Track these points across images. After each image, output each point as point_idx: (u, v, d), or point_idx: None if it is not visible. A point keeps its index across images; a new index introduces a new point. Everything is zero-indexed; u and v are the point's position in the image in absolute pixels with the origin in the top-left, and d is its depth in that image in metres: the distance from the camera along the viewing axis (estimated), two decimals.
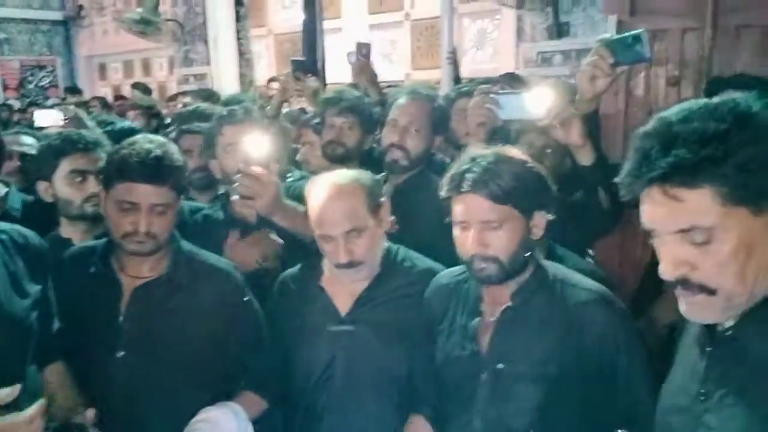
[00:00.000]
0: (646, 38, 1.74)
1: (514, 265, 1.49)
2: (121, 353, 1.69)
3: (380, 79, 3.31)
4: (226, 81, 6.70)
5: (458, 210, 1.50)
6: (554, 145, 1.97)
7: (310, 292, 1.84)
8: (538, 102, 1.95)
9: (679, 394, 1.13)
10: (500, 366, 1.49)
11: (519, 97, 2.03)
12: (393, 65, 5.68)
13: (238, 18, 5.80)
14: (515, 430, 1.47)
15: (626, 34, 1.79)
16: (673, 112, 1.00)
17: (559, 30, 4.94)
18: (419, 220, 2.27)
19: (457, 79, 4.30)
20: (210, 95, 5.30)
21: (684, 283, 1.00)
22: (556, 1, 4.88)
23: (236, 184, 1.83)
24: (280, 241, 2.17)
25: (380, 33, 5.71)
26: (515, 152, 1.54)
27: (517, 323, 1.51)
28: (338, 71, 5.12)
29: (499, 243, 1.46)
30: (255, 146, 1.80)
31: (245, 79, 5.83)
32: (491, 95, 2.07)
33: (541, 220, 1.51)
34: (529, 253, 1.52)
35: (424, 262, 1.86)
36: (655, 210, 1.00)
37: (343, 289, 1.80)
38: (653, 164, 0.97)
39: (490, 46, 5.30)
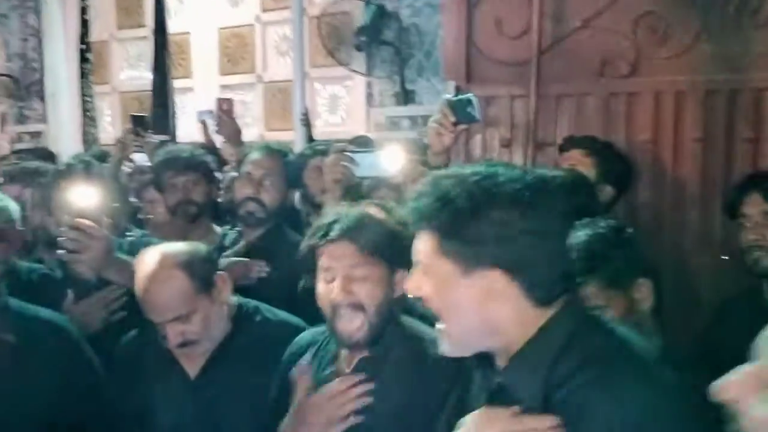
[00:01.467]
0: (476, 102, 1.93)
1: (379, 320, 1.46)
2: None
3: None
4: (65, 139, 6.32)
5: (325, 259, 1.48)
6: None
7: (155, 356, 1.73)
8: (391, 160, 2.06)
9: None
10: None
11: (373, 155, 2.12)
12: (246, 126, 5.65)
13: (83, 74, 5.55)
14: None
15: (461, 96, 1.97)
16: (449, 170, 1.16)
17: (406, 97, 5.22)
18: (274, 274, 2.26)
19: (310, 141, 4.38)
20: (47, 155, 5.00)
21: (422, 300, 1.14)
22: (402, 70, 5.18)
23: (63, 239, 1.73)
24: None
25: (232, 94, 5.69)
26: (378, 211, 1.57)
27: (370, 375, 1.48)
28: (189, 131, 5.04)
29: (365, 293, 1.45)
30: (84, 199, 1.73)
31: (89, 137, 5.55)
32: (347, 153, 2.14)
33: (403, 278, 1.49)
34: (391, 313, 1.50)
35: (277, 315, 1.83)
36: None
37: (191, 350, 1.72)
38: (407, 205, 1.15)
39: (342, 110, 5.47)
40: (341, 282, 1.45)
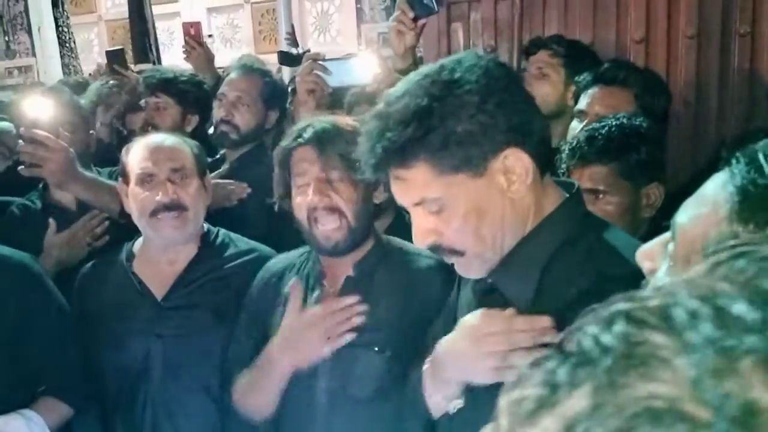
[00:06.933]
0: None
1: (358, 225, 1.43)
2: None
3: (222, 63, 3.18)
4: (55, 73, 6.21)
5: (298, 163, 1.44)
6: None
7: (120, 279, 1.70)
8: (365, 67, 1.98)
9: None
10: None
11: (347, 63, 2.06)
12: (234, 49, 5.53)
13: (55, 3, 5.37)
14: (358, 398, 1.41)
15: None
16: (394, 88, 1.03)
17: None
18: (252, 195, 2.22)
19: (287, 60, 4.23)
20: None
21: (437, 249, 1.05)
22: None
23: (21, 153, 1.70)
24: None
25: (220, 17, 5.54)
26: (350, 121, 1.51)
27: (358, 293, 1.44)
28: (176, 58, 4.92)
29: (341, 195, 1.42)
30: (38, 110, 1.68)
31: (70, 69, 5.43)
32: (319, 62, 2.06)
33: (380, 191, 1.46)
34: (371, 219, 1.48)
35: (245, 243, 1.80)
36: (393, 188, 1.04)
37: (157, 273, 1.70)
38: (373, 150, 1.00)
39: (332, 28, 5.30)
40: (315, 184, 1.41)
